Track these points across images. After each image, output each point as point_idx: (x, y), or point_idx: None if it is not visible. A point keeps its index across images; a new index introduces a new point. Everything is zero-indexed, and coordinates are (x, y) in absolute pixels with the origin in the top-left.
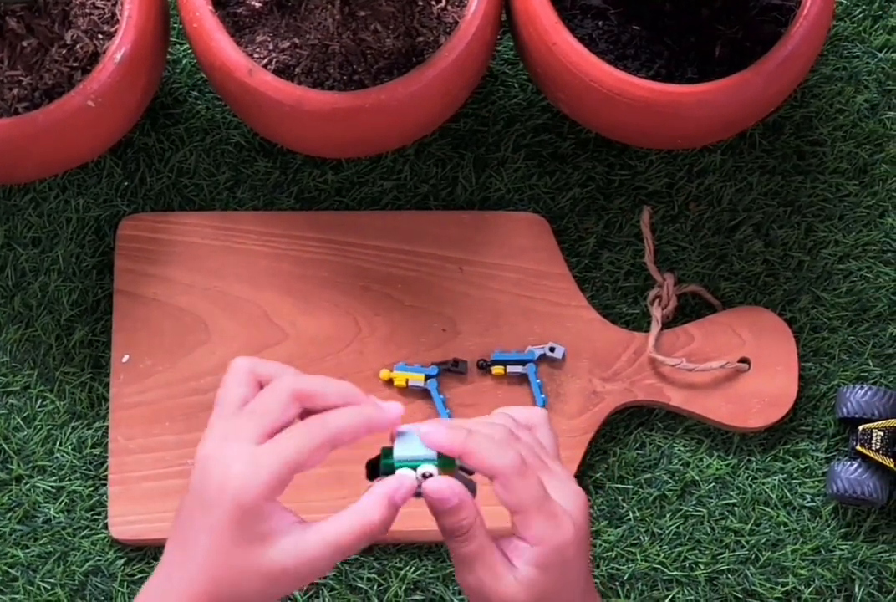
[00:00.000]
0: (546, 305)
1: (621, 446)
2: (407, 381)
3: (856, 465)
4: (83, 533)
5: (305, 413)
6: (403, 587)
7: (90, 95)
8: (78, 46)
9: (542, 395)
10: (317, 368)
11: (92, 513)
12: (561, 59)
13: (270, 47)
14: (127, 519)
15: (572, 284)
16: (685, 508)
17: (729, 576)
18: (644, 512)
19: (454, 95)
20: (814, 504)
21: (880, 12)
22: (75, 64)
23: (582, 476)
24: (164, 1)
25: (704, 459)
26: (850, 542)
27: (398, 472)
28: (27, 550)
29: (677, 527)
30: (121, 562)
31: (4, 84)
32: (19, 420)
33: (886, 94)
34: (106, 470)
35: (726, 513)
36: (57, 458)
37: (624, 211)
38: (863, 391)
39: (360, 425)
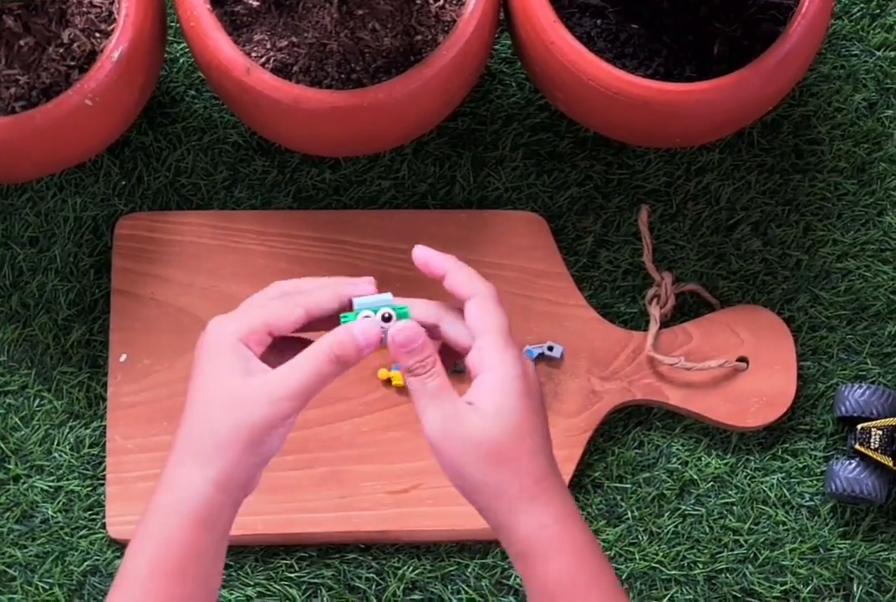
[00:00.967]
0: (544, 304)
1: (620, 445)
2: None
3: (854, 463)
4: (81, 532)
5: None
6: (402, 587)
7: (87, 94)
8: (75, 45)
9: None
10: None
11: (90, 512)
12: (559, 58)
13: (268, 46)
14: (125, 518)
15: (570, 283)
16: (684, 507)
17: (727, 575)
18: (643, 511)
19: (452, 94)
20: (812, 503)
21: (878, 11)
22: (72, 63)
23: (580, 475)
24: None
25: (703, 458)
26: (848, 541)
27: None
28: (25, 550)
29: (676, 526)
30: (119, 561)
31: (2, 83)
32: (17, 420)
33: (885, 93)
34: (104, 469)
35: (725, 512)
36: (55, 457)
37: (622, 210)
38: (861, 390)
39: (332, 290)
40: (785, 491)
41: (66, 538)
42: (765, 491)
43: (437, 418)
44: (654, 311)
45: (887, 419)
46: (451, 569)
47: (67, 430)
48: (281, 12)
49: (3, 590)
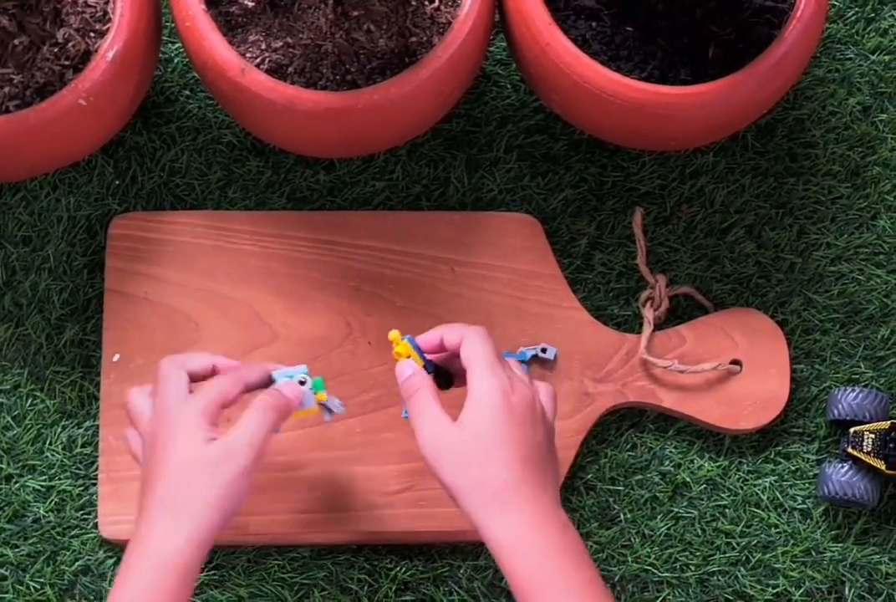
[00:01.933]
0: (538, 306)
1: (613, 448)
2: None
3: (847, 467)
4: (73, 532)
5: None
6: (394, 588)
7: (82, 94)
8: (70, 45)
9: None
10: (308, 369)
11: (82, 512)
12: (554, 60)
13: (263, 47)
14: (117, 518)
15: (564, 285)
16: (676, 510)
17: (720, 577)
18: (635, 513)
19: (447, 96)
20: (805, 506)
21: (873, 15)
22: (67, 62)
23: (573, 477)
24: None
25: (696, 461)
26: (840, 544)
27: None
28: (17, 550)
29: (668, 528)
30: (110, 561)
31: None
32: (9, 419)
33: (879, 97)
34: (96, 469)
35: (717, 514)
36: (47, 457)
37: (616, 212)
38: (854, 393)
39: (263, 371)
40: (777, 494)
41: (58, 538)
42: (757, 494)
43: (425, 429)
44: (648, 314)
45: (880, 423)
46: (444, 570)
47: (60, 430)
48: (276, 13)
49: None
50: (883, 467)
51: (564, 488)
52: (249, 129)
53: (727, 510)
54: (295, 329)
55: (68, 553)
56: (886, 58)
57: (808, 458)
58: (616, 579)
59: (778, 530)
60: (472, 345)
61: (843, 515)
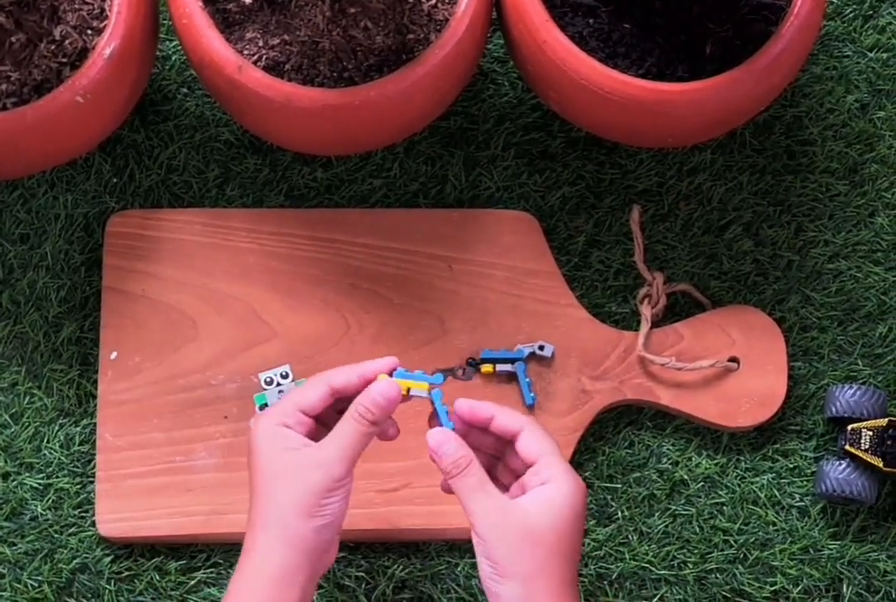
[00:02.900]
0: (535, 304)
1: (610, 445)
2: (409, 390)
3: (844, 464)
4: (70, 530)
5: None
6: (391, 586)
7: (79, 91)
8: (67, 42)
9: (531, 394)
10: (305, 366)
11: (79, 510)
12: (551, 58)
13: (260, 44)
14: (114, 516)
15: (562, 283)
16: (674, 507)
17: (717, 575)
18: (633, 511)
19: (444, 93)
20: (803, 503)
21: (871, 12)
22: (64, 59)
23: None
24: None
25: (693, 458)
26: (838, 542)
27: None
28: (14, 547)
29: (666, 526)
30: (108, 559)
31: None
32: (7, 417)
33: (877, 94)
34: (93, 467)
35: (715, 512)
36: (44, 455)
37: (614, 209)
38: (852, 391)
39: (352, 367)
40: (775, 491)
41: (56, 536)
42: (755, 491)
43: (480, 510)
44: (646, 311)
45: (877, 420)
46: (441, 568)
47: (57, 428)
48: (273, 10)
49: None
50: (880, 464)
51: None
52: (247, 127)
53: (725, 508)
54: (293, 326)
55: (66, 551)
56: (884, 55)
57: (806, 456)
58: (614, 577)
59: (776, 528)
60: (541, 438)
61: (840, 513)
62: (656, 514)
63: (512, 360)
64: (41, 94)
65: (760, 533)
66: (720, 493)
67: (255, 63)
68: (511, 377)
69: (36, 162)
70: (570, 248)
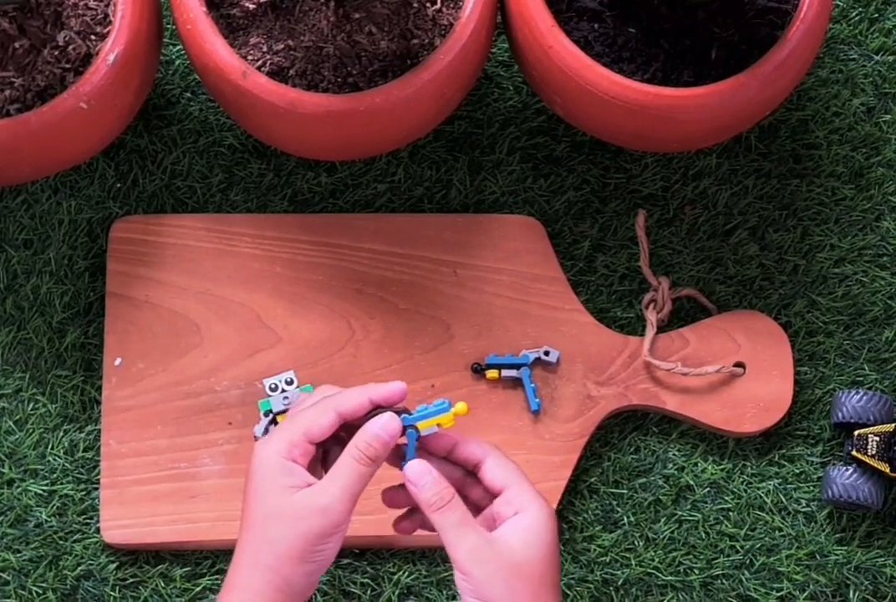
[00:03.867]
0: (540, 309)
1: (616, 451)
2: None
3: (851, 470)
4: (75, 537)
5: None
6: (397, 592)
7: (83, 97)
8: (70, 48)
9: (537, 400)
10: (310, 372)
11: (84, 517)
12: (556, 62)
13: (264, 49)
14: (119, 523)
15: (567, 288)
16: (680, 513)
17: (724, 581)
18: (639, 517)
19: (449, 98)
20: (809, 509)
21: (877, 15)
22: (68, 65)
23: (576, 481)
24: (157, 2)
25: (699, 464)
26: (845, 548)
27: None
28: (19, 554)
29: (672, 532)
30: (113, 566)
31: None
32: (11, 423)
33: (882, 98)
34: (98, 474)
35: (721, 518)
36: (49, 461)
37: (619, 214)
38: (858, 396)
39: (360, 392)
40: (781, 497)
41: (60, 542)
42: (761, 497)
43: (466, 547)
44: (651, 316)
45: (884, 425)
46: (447, 574)
47: (61, 434)
48: (277, 15)
49: None
50: (887, 470)
51: (567, 492)
52: (251, 132)
53: (731, 513)
54: (297, 332)
55: (70, 558)
56: (890, 58)
57: (813, 461)
58: (619, 583)
59: (782, 533)
60: (506, 465)
61: (847, 518)
62: (662, 520)
63: (517, 366)
64: (45, 100)
65: (767, 538)
66: (726, 498)
67: (259, 68)
68: (516, 383)
69: (40, 167)
70: (576, 253)
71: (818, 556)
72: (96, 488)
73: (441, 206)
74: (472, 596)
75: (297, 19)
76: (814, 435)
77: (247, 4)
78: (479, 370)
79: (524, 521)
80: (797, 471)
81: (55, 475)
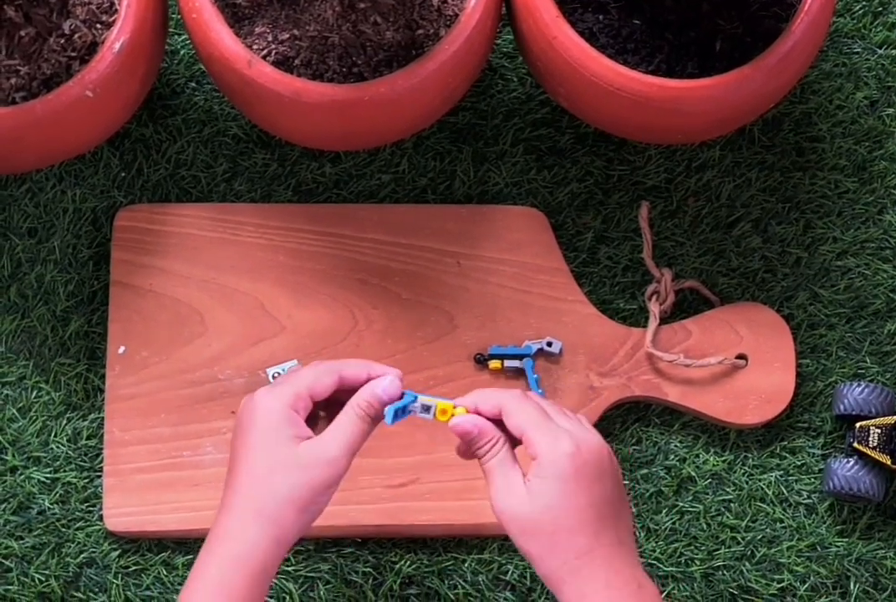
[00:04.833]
0: (543, 300)
1: (618, 442)
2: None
3: (852, 462)
4: (78, 524)
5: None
6: (398, 581)
7: (88, 85)
8: (76, 36)
9: (539, 390)
10: (313, 361)
11: (87, 504)
12: (561, 53)
13: (270, 39)
14: (122, 510)
15: (570, 279)
16: (681, 504)
17: (724, 572)
18: (640, 508)
19: (453, 88)
20: (810, 501)
21: (880, 9)
22: (73, 54)
23: None
24: None
25: (701, 455)
26: (846, 539)
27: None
28: (21, 542)
29: (673, 523)
30: (115, 554)
31: (2, 73)
32: (14, 411)
33: (886, 91)
34: (101, 461)
35: (722, 509)
36: (52, 449)
37: (622, 206)
38: (860, 388)
39: (361, 366)
40: (783, 488)
41: (63, 530)
42: (762, 488)
43: (495, 492)
44: (654, 308)
45: (886, 417)
46: (448, 564)
47: (65, 422)
48: (283, 5)
49: None
50: (889, 462)
51: None
52: (255, 122)
53: (732, 505)
54: (300, 321)
55: (73, 545)
56: (894, 52)
57: (814, 453)
58: None
59: (783, 525)
60: (517, 412)
61: (848, 510)
62: (664, 511)
63: (520, 357)
64: (50, 89)
65: (768, 530)
66: (727, 490)
67: (264, 58)
68: (519, 373)
69: (44, 156)
70: (579, 245)
71: (819, 548)
72: (99, 476)
73: (445, 196)
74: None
75: (303, 9)
76: (815, 427)
77: None
78: (481, 361)
79: (535, 470)
80: (798, 463)
81: (58, 463)
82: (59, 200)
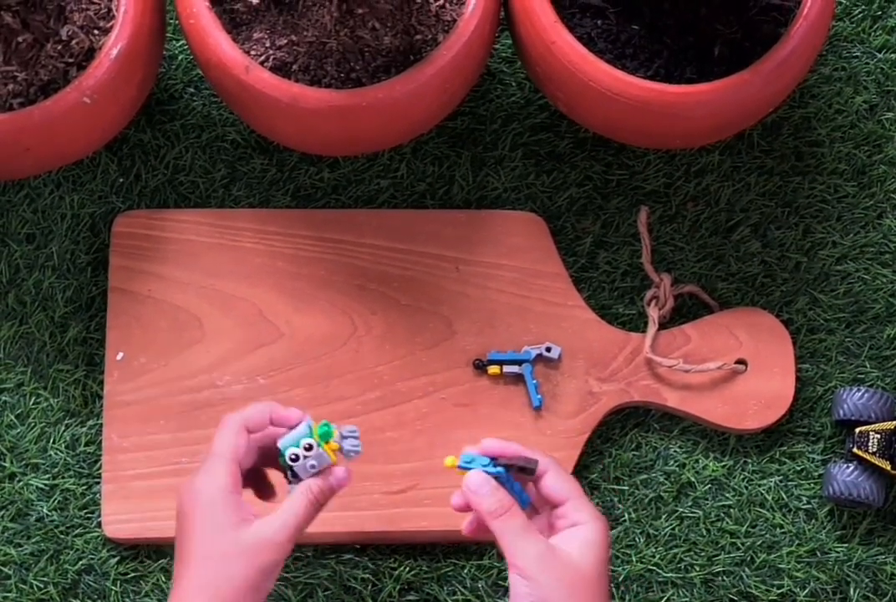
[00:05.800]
0: (542, 305)
1: (617, 447)
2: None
3: (852, 467)
4: (76, 531)
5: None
6: (398, 587)
7: (86, 91)
8: (73, 42)
9: (538, 396)
10: (312, 367)
11: (85, 511)
12: (559, 58)
13: (267, 44)
14: (120, 517)
15: (569, 284)
16: (681, 510)
17: (724, 578)
18: (640, 513)
19: (452, 94)
20: (810, 506)
21: (880, 12)
22: (71, 60)
23: (577, 477)
24: None
25: (700, 461)
26: (845, 545)
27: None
28: (20, 548)
29: (673, 528)
30: (114, 560)
31: None
32: (13, 417)
33: (885, 95)
34: (99, 468)
35: (722, 514)
36: (50, 455)
37: (621, 211)
38: (860, 393)
39: (265, 411)
40: (782, 494)
41: (61, 537)
42: (762, 494)
43: (531, 552)
44: (653, 313)
45: (885, 423)
46: (448, 570)
47: (63, 429)
48: (280, 11)
49: None
50: (888, 467)
51: None
52: (254, 127)
53: (732, 510)
54: (299, 327)
55: (71, 552)
56: (893, 56)
57: (814, 458)
58: (620, 579)
59: (783, 530)
60: (565, 478)
61: (848, 516)
62: (663, 517)
63: (519, 362)
64: (48, 95)
65: (767, 535)
66: (727, 495)
67: (262, 63)
68: (518, 379)
69: (42, 162)
70: (578, 250)
71: (819, 554)
72: (98, 483)
73: (443, 201)
74: (531, 600)
75: (301, 14)
76: (815, 432)
77: None
78: (480, 366)
79: (582, 533)
80: (798, 468)
81: (57, 469)
82: (57, 206)
